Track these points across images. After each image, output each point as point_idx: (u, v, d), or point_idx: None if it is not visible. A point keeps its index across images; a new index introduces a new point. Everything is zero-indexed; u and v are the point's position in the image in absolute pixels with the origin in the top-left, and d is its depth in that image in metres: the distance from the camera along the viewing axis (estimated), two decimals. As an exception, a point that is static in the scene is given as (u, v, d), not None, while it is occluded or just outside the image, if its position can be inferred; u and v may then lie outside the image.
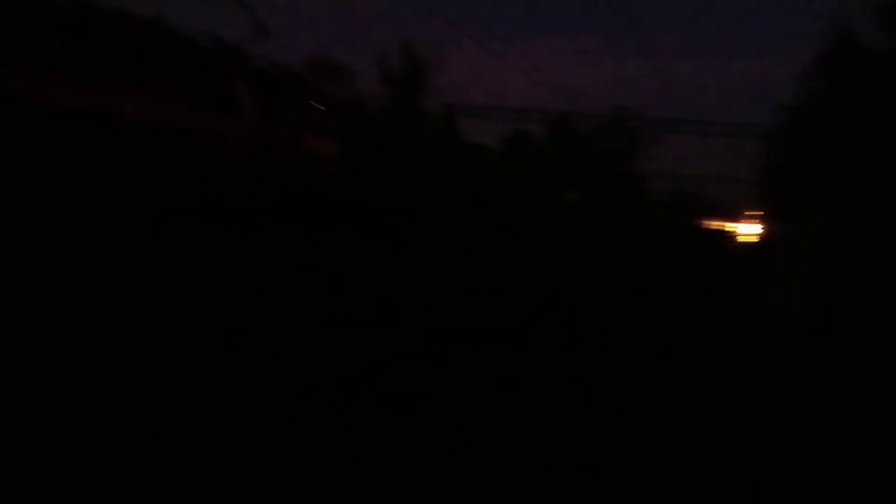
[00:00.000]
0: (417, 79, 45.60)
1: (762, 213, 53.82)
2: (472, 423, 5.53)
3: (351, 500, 3.93)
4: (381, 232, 20.69)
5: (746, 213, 67.54)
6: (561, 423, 5.72)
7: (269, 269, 11.93)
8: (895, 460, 4.68)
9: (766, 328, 10.47)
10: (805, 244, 7.26)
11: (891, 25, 15.89)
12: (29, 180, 12.06)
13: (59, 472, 3.72)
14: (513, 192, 44.11)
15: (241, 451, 4.33)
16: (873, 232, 5.72)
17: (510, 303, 11.75)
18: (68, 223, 11.88)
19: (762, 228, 54.41)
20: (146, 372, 5.77)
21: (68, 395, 5.04)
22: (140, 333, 7.00)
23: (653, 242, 36.23)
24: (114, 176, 13.80)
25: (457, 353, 7.80)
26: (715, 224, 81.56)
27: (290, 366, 6.59)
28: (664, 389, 7.06)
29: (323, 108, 22.09)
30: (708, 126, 62.86)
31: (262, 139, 18.14)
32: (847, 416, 5.19)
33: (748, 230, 66.19)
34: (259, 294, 9.74)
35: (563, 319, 10.79)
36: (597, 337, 9.59)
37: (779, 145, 27.83)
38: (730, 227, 77.01)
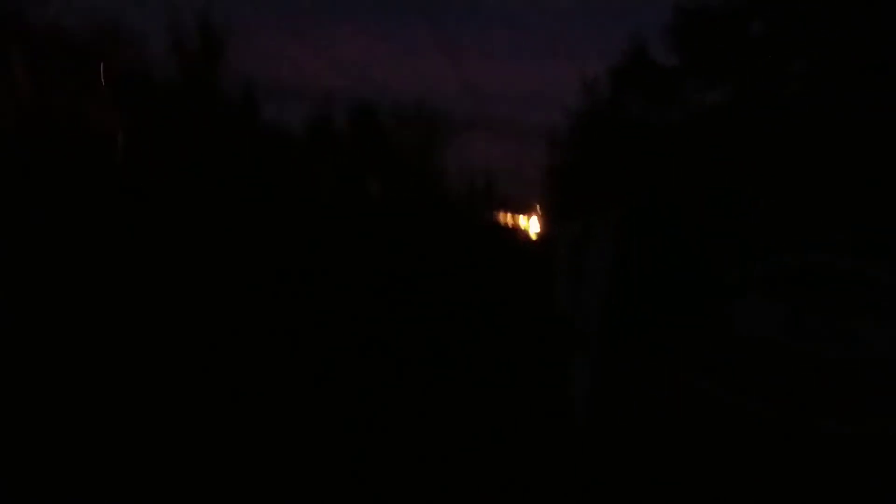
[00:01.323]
0: (212, 50, 42.98)
1: (547, 209, 57.65)
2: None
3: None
4: (161, 218, 19.26)
5: (534, 209, 71.98)
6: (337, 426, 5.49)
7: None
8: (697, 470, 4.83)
9: (552, 324, 10.81)
10: (597, 239, 7.69)
11: (680, 45, 17.58)
12: None
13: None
14: (313, 178, 43.30)
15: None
16: (658, 226, 6.14)
17: (297, 296, 11.37)
18: None
19: (546, 224, 58.30)
20: None
21: None
22: None
23: (444, 234, 37.31)
24: None
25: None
26: (506, 219, 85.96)
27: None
28: (445, 390, 6.93)
29: (103, 77, 20.16)
30: (501, 125, 66.17)
31: (36, 107, 16.16)
32: (641, 419, 5.31)
33: (535, 225, 70.60)
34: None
35: (350, 313, 10.54)
36: (378, 333, 9.42)
37: (566, 146, 29.84)
38: (520, 221, 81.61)
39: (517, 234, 68.27)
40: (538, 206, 72.84)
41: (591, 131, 22.81)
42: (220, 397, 5.50)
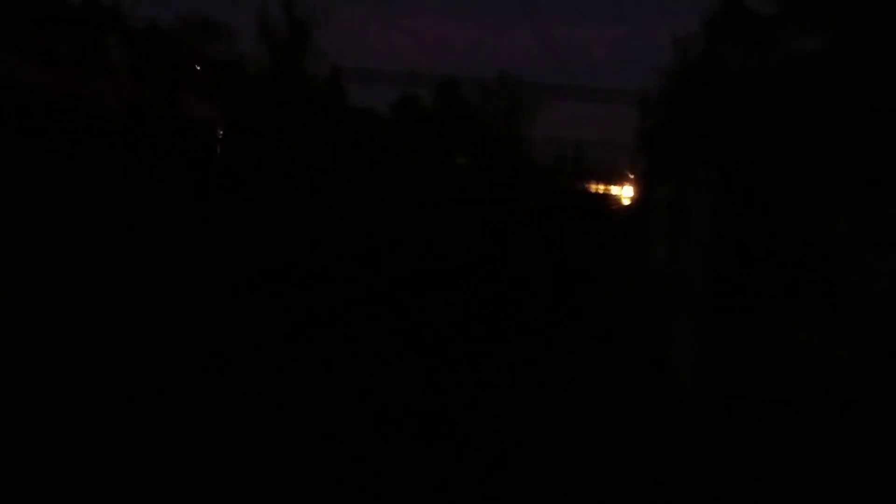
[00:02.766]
0: (300, 39, 44.07)
1: (640, 174, 56.21)
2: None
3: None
4: (266, 197, 19.99)
5: (626, 175, 70.31)
6: (446, 396, 5.54)
7: (159, 236, 11.20)
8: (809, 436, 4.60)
9: (649, 288, 10.62)
10: (693, 200, 7.43)
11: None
12: None
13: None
14: (402, 156, 43.80)
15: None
16: (761, 187, 5.88)
17: (400, 266, 11.57)
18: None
19: (640, 189, 56.89)
20: None
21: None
22: None
23: (538, 206, 37.00)
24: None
25: (353, 316, 7.56)
26: (598, 187, 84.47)
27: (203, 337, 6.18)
28: (548, 360, 6.87)
29: (201, 69, 20.97)
30: (590, 92, 64.78)
31: (139, 99, 17.01)
32: (752, 388, 5.09)
33: (628, 191, 69.03)
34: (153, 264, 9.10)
35: (452, 282, 10.65)
36: (484, 301, 9.48)
37: (657, 107, 28.92)
38: (612, 189, 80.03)
39: (610, 200, 66.95)
40: (630, 172, 71.16)
41: (684, 89, 22.01)
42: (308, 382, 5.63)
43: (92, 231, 11.13)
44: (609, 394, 5.88)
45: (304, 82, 44.16)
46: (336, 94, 49.69)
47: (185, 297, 7.68)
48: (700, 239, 6.33)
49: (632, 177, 70.13)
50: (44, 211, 11.87)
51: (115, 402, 4.65)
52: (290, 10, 43.64)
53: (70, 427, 4.20)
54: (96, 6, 17.33)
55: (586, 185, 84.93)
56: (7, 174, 13.39)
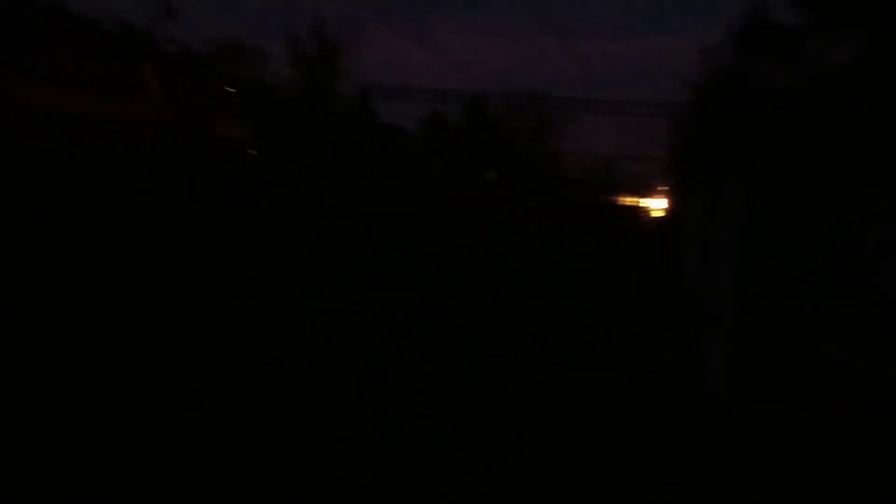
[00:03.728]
0: (330, 60, 44.85)
1: (671, 187, 55.80)
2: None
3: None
4: (300, 216, 20.33)
5: (657, 188, 69.89)
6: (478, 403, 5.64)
7: (192, 254, 11.51)
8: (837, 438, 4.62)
9: (681, 301, 10.63)
10: (722, 214, 7.48)
11: (803, 1, 16.63)
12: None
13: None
14: (431, 173, 44.10)
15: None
16: (790, 199, 5.95)
17: (432, 280, 11.71)
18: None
19: (670, 202, 56.46)
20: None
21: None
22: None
23: (567, 220, 36.95)
24: (17, 166, 13.03)
25: (392, 331, 7.72)
26: (628, 200, 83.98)
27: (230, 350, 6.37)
28: (578, 366, 6.97)
29: (234, 92, 21.44)
30: (617, 105, 64.52)
31: (172, 124, 17.47)
32: (777, 393, 5.13)
33: (659, 205, 68.55)
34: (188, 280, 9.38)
35: (483, 297, 10.76)
36: (512, 312, 9.58)
37: (686, 119, 28.86)
38: (642, 202, 79.55)
39: (641, 213, 66.51)
40: (661, 184, 70.68)
41: (713, 100, 21.97)
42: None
43: (145, 244, 11.49)
44: (641, 396, 5.95)
45: (335, 102, 44.85)
46: (366, 112, 50.33)
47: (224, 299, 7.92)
48: (728, 251, 6.39)
49: (663, 189, 69.65)
50: (89, 225, 12.31)
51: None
52: (320, 33, 44.46)
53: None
54: (131, 32, 17.86)
55: (617, 199, 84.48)
56: (50, 192, 13.85)
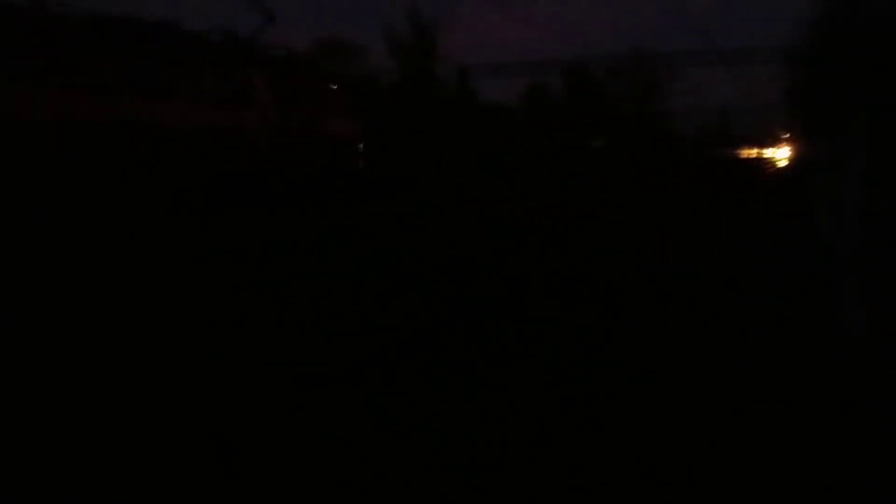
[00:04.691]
0: (427, 46, 45.13)
1: (794, 135, 52.63)
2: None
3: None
4: (411, 202, 20.73)
5: (778, 137, 66.25)
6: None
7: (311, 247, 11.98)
8: None
9: (813, 250, 10.18)
10: (850, 161, 7.05)
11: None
12: (55, 193, 12.34)
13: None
14: (536, 147, 43.67)
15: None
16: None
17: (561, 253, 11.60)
18: (98, 229, 12.17)
19: (794, 150, 53.23)
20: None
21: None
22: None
23: (685, 179, 35.64)
24: (141, 182, 14.00)
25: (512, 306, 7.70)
26: (748, 153, 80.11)
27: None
28: (714, 317, 6.78)
29: (337, 88, 22.00)
30: (725, 54, 61.36)
31: (283, 126, 18.18)
32: None
33: (782, 154, 64.85)
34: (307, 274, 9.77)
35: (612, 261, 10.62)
36: (642, 279, 9.40)
37: (805, 62, 27.06)
38: (764, 153, 75.65)
39: (764, 164, 63.14)
40: (783, 133, 66.79)
41: (831, 39, 20.46)
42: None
43: (273, 242, 12.11)
44: (779, 341, 5.80)
45: (435, 87, 45.18)
46: (466, 93, 50.42)
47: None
48: (855, 198, 6.04)
49: (785, 137, 65.76)
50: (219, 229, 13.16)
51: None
52: (415, 20, 44.79)
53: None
54: (235, 40, 18.56)
55: (736, 152, 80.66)
56: (185, 203, 14.76)
